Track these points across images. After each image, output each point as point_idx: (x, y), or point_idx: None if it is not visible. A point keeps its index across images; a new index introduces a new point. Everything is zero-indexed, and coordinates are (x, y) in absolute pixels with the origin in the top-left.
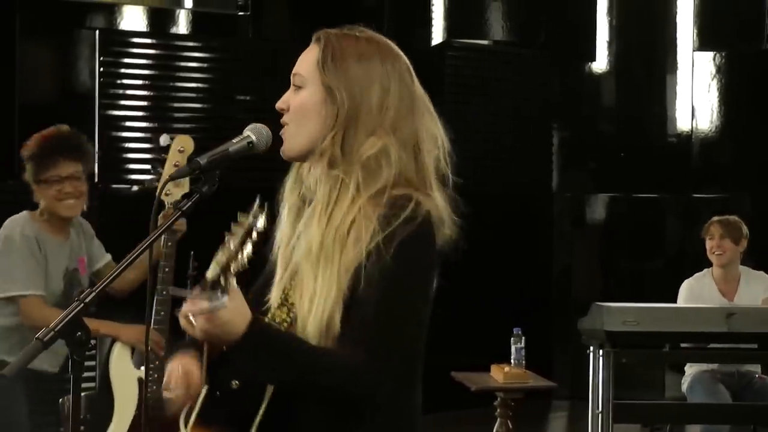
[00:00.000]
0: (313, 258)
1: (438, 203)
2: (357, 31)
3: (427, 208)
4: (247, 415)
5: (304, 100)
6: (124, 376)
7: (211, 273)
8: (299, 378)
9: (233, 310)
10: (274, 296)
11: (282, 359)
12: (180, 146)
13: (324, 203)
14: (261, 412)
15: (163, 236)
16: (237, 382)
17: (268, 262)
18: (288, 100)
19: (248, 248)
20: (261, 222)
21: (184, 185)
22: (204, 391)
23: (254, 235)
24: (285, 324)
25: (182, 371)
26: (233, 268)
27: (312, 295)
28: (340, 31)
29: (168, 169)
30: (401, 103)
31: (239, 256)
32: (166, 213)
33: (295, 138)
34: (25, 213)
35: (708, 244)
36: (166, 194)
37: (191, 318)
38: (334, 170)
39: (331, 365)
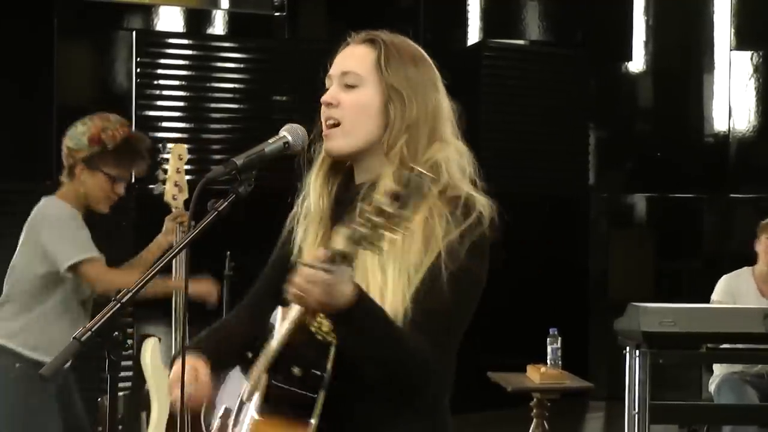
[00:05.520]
0: (383, 255)
1: (485, 202)
2: (395, 35)
3: (485, 209)
4: (308, 401)
5: (363, 99)
6: (158, 371)
7: (340, 245)
8: (389, 352)
9: (350, 279)
10: None
11: (381, 330)
12: (179, 153)
13: None
14: (321, 399)
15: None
16: (298, 368)
17: (280, 254)
18: (338, 97)
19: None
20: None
21: (184, 190)
22: (264, 378)
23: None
24: None
25: (190, 367)
26: (363, 246)
27: (382, 288)
28: (391, 34)
29: (172, 175)
30: (446, 105)
31: (376, 243)
32: (174, 216)
33: (350, 136)
34: (52, 197)
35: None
36: (174, 198)
37: (303, 282)
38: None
39: (414, 348)
